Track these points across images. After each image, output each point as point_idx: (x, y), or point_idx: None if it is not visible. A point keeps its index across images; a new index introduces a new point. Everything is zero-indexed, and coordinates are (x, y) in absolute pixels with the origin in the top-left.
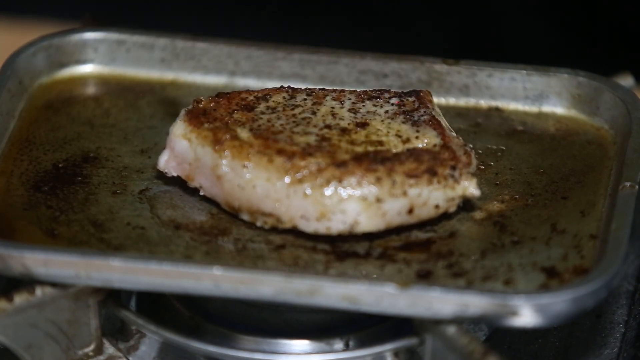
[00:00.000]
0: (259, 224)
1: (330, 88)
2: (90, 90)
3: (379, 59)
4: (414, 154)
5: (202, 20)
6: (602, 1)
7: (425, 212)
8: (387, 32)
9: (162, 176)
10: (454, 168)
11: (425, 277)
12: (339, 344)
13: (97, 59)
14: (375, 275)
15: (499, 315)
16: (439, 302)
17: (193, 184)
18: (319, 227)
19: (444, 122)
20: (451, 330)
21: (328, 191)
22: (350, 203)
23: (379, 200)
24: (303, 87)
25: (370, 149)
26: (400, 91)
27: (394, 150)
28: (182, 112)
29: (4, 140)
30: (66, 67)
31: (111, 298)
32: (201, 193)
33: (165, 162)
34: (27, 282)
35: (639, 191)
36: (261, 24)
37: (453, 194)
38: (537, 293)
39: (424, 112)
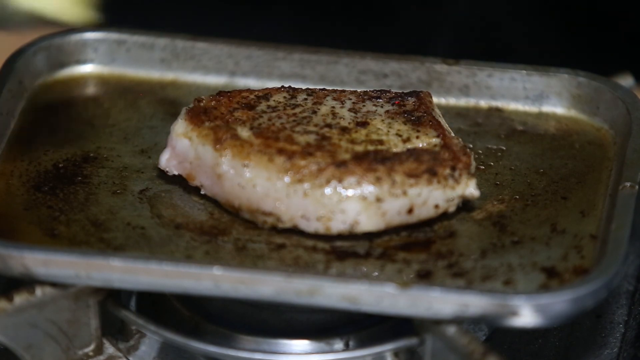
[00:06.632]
0: (259, 223)
1: (330, 88)
2: (90, 90)
3: (379, 59)
4: (414, 153)
5: (202, 20)
6: (602, 1)
7: (425, 212)
8: (387, 32)
9: (162, 176)
10: (453, 168)
11: (425, 277)
12: (339, 344)
13: (97, 59)
14: (375, 274)
15: (499, 315)
16: (439, 302)
17: (194, 182)
18: (319, 227)
19: (444, 122)
20: (451, 330)
21: (328, 191)
22: (350, 203)
23: (379, 199)
24: (303, 87)
25: (371, 148)
26: (400, 92)
27: (394, 150)
28: (183, 110)
29: (4, 141)
30: (66, 67)
31: (111, 298)
32: (202, 192)
33: (167, 161)
34: (27, 282)
35: (639, 191)
36: (261, 24)
37: (453, 194)
38: (537, 293)
39: (424, 112)
